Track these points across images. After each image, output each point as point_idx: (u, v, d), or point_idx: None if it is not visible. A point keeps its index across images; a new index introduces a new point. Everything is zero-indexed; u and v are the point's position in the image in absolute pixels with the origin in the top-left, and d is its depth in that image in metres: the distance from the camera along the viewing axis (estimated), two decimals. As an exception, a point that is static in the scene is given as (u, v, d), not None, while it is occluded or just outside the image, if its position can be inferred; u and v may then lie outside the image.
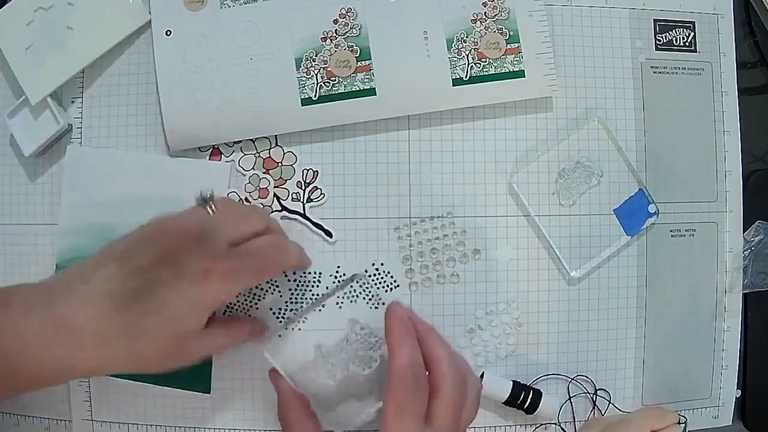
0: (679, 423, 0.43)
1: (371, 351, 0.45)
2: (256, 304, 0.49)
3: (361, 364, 0.44)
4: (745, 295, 0.52)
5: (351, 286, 0.46)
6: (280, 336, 0.46)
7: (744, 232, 0.52)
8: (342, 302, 0.46)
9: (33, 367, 0.36)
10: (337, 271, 0.48)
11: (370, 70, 0.47)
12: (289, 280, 0.49)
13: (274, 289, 0.48)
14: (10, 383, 0.37)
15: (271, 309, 0.48)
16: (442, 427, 0.37)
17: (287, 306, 0.49)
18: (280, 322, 0.48)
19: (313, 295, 0.48)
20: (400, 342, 0.38)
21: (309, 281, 0.49)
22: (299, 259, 0.46)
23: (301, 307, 0.48)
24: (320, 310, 0.46)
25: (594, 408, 0.50)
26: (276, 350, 0.45)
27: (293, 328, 0.46)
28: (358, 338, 0.45)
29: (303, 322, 0.46)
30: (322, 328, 0.45)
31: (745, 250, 0.51)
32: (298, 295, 0.49)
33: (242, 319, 0.48)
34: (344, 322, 0.45)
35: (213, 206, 0.40)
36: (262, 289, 0.48)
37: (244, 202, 0.49)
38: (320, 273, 0.49)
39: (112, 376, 0.49)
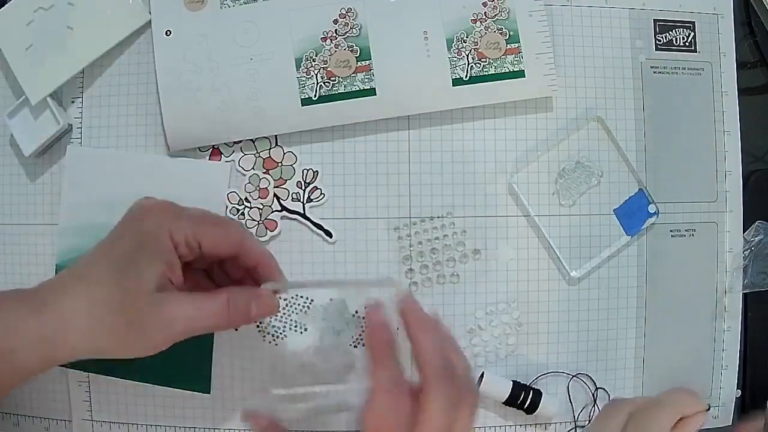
0: (708, 409, 0.41)
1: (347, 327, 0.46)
2: None
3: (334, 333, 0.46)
4: (745, 295, 0.52)
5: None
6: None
7: (744, 232, 0.52)
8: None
9: (23, 354, 0.37)
10: (329, 302, 0.48)
11: (370, 70, 0.47)
12: (280, 298, 0.48)
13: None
14: (8, 382, 0.37)
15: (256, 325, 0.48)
16: None
17: (270, 321, 0.48)
18: (259, 331, 0.48)
19: (298, 319, 0.47)
20: (379, 357, 0.36)
21: (299, 304, 0.48)
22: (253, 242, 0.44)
23: (284, 325, 0.48)
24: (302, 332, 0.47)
25: (594, 406, 0.50)
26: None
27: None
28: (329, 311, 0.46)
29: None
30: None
31: (745, 250, 0.51)
32: (285, 314, 0.48)
33: (215, 297, 0.41)
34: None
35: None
36: None
37: (244, 202, 0.49)
38: (311, 301, 0.48)
39: (109, 375, 0.49)
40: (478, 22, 0.48)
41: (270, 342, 0.49)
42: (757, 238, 0.51)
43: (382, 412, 0.35)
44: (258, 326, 0.49)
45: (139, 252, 0.38)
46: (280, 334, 0.48)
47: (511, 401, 0.48)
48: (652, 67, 0.51)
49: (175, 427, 0.49)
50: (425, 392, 0.34)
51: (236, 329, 0.49)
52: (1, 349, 0.36)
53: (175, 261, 0.39)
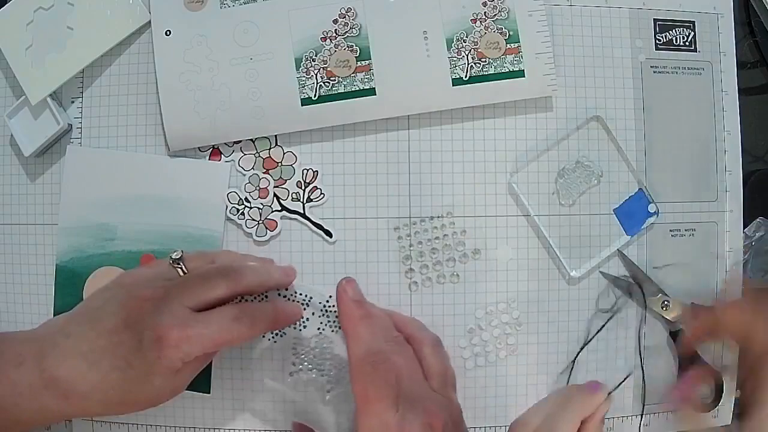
0: (610, 393, 0.39)
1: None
2: None
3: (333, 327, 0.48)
4: (744, 295, 0.52)
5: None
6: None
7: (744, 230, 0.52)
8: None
9: (24, 414, 0.39)
10: (327, 301, 0.48)
11: (370, 69, 0.47)
12: (279, 295, 0.48)
13: (261, 299, 0.48)
14: (2, 429, 0.39)
15: None
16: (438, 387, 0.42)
17: None
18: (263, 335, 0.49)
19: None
20: (354, 329, 0.42)
21: (297, 301, 0.48)
22: (269, 326, 0.44)
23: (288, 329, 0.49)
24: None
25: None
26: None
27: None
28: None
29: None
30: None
31: (745, 245, 0.51)
32: None
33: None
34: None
35: (184, 267, 0.42)
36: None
37: (244, 202, 0.49)
38: (310, 298, 0.48)
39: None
40: (478, 22, 0.48)
41: (270, 339, 0.49)
42: (758, 234, 0.51)
43: (363, 379, 0.40)
44: None
45: (141, 367, 0.39)
46: (280, 330, 0.49)
47: None
48: (652, 66, 0.51)
49: (175, 427, 0.49)
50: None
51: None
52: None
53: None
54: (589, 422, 0.36)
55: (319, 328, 0.48)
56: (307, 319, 0.48)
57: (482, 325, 0.50)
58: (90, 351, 0.38)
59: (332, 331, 0.48)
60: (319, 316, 0.48)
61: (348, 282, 0.46)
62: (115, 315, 0.39)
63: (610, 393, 0.36)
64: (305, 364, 0.48)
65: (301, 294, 0.48)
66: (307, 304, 0.48)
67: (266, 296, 0.48)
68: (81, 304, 0.42)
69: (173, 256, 0.42)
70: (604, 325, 0.50)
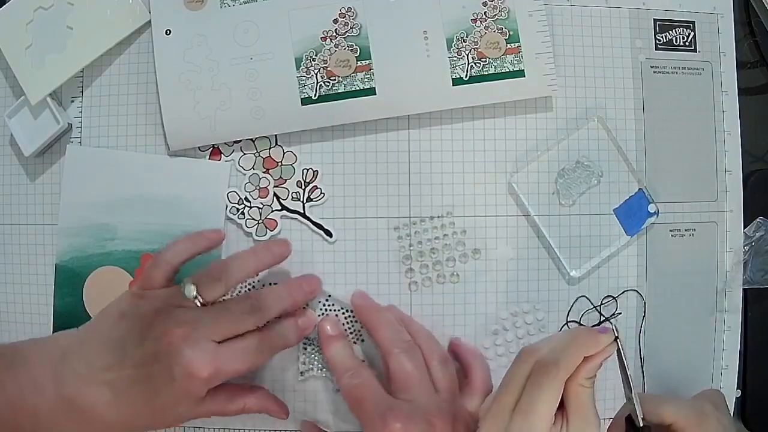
0: (616, 338, 0.39)
1: (355, 324, 0.49)
2: None
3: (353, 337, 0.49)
4: (744, 295, 0.52)
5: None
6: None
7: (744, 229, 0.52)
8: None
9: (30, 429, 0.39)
10: (327, 300, 0.48)
11: (370, 69, 0.47)
12: None
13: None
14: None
15: None
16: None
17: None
18: None
19: None
20: (376, 323, 0.45)
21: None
22: (289, 345, 0.45)
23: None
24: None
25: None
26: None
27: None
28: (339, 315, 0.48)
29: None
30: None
31: (745, 245, 0.51)
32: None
33: (248, 392, 0.46)
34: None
35: (200, 300, 0.42)
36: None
37: (244, 201, 0.49)
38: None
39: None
40: (478, 22, 0.48)
41: None
42: (757, 234, 0.51)
43: (403, 362, 0.43)
44: None
45: (169, 397, 0.40)
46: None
47: None
48: (652, 66, 0.51)
49: (174, 426, 0.49)
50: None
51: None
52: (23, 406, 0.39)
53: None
54: (592, 360, 0.36)
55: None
56: None
57: (507, 326, 0.50)
58: (117, 380, 0.39)
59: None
60: (318, 316, 0.48)
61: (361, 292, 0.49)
62: (143, 349, 0.40)
63: (616, 338, 0.37)
64: (315, 363, 0.48)
65: None
66: (306, 303, 0.48)
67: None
68: (95, 327, 0.42)
69: (187, 294, 0.42)
70: (601, 323, 0.50)
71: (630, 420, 0.40)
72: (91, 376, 0.39)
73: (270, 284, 0.48)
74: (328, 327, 0.46)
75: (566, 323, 0.50)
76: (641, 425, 0.38)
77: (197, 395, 0.40)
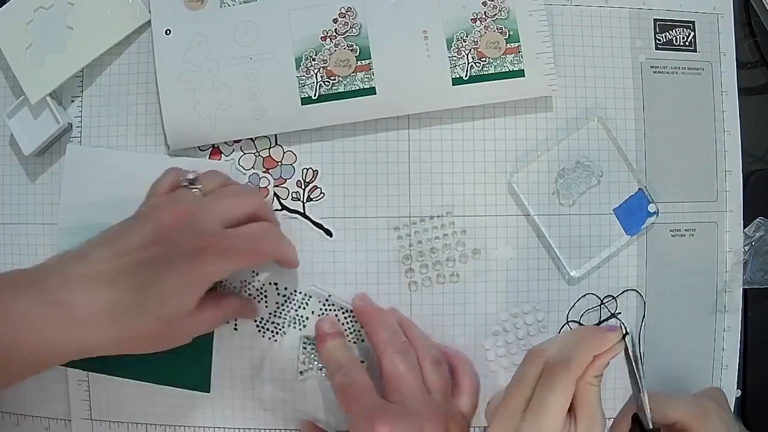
0: (625, 335, 0.40)
1: (355, 324, 0.48)
2: None
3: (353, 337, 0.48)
4: (744, 295, 0.52)
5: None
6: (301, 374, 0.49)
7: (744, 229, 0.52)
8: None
9: (24, 351, 0.36)
10: (327, 300, 0.48)
11: (370, 69, 0.47)
12: (278, 294, 0.49)
13: (261, 297, 0.48)
14: (2, 369, 0.36)
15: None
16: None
17: (269, 318, 0.49)
18: (259, 331, 0.49)
19: (297, 314, 0.48)
20: (374, 323, 0.45)
21: (297, 300, 0.49)
22: (290, 251, 0.46)
23: (283, 321, 0.49)
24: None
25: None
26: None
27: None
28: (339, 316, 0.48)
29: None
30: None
31: (745, 245, 0.51)
32: (282, 311, 0.49)
33: (230, 295, 0.48)
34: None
35: (200, 188, 0.41)
36: (250, 294, 0.48)
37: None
38: (309, 297, 0.48)
39: (109, 374, 0.49)
40: (478, 22, 0.48)
41: (270, 339, 0.49)
42: (757, 234, 0.51)
43: (396, 363, 0.42)
44: (257, 324, 0.49)
45: (170, 282, 0.37)
46: (280, 330, 0.49)
47: None
48: (652, 66, 0.51)
49: (174, 426, 0.49)
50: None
51: (236, 328, 0.49)
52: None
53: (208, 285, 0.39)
54: (600, 358, 0.37)
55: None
56: (307, 318, 0.48)
57: (507, 327, 0.50)
58: (106, 271, 0.36)
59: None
60: (318, 315, 0.48)
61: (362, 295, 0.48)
62: (141, 233, 0.38)
63: (624, 335, 0.37)
64: (315, 363, 0.48)
65: (300, 293, 0.48)
66: (307, 303, 0.48)
67: (264, 297, 0.48)
68: (94, 237, 0.40)
69: (188, 177, 0.42)
70: (600, 323, 0.50)
71: (636, 418, 0.40)
72: (83, 269, 0.37)
73: (271, 284, 0.49)
74: (326, 325, 0.46)
75: (567, 323, 0.50)
76: (651, 427, 0.38)
77: (200, 280, 0.38)
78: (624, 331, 0.38)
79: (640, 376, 0.38)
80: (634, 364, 0.38)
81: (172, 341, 0.40)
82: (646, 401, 0.39)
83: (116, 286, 0.36)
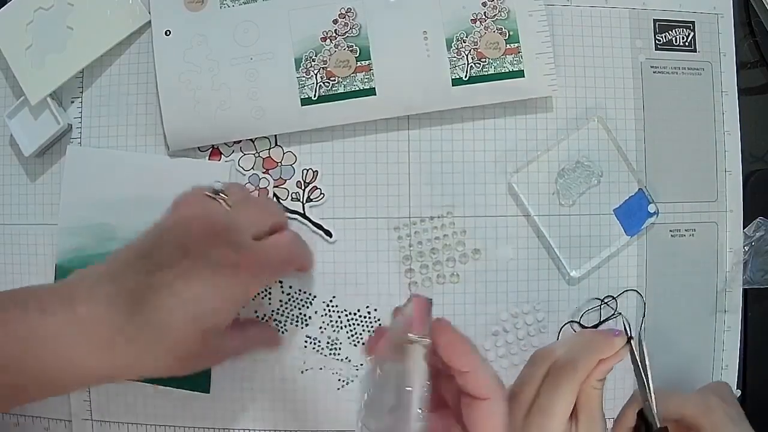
0: (629, 339, 0.40)
1: (357, 327, 0.48)
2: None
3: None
4: (744, 295, 0.52)
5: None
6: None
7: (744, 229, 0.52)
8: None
9: (48, 373, 0.33)
10: (331, 301, 0.48)
11: (370, 70, 0.47)
12: (282, 292, 0.49)
13: (265, 294, 0.48)
14: (19, 393, 0.34)
15: (255, 312, 0.49)
16: None
17: (272, 315, 0.49)
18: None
19: (300, 314, 0.48)
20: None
21: (302, 299, 0.49)
22: (312, 258, 0.46)
23: (286, 320, 0.48)
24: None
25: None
26: None
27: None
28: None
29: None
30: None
31: (745, 245, 0.51)
32: (287, 309, 0.49)
33: (256, 323, 0.48)
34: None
35: (226, 200, 0.40)
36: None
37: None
38: (314, 296, 0.48)
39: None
40: (478, 22, 0.48)
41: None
42: (757, 234, 0.51)
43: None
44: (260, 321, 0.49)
45: (210, 298, 0.35)
46: (282, 328, 0.49)
47: None
48: (652, 67, 0.51)
49: (174, 426, 0.49)
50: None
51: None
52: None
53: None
54: (605, 363, 0.37)
55: (320, 327, 0.48)
56: (310, 318, 0.48)
57: (507, 327, 0.50)
58: (141, 288, 0.34)
59: (333, 330, 0.48)
60: (322, 316, 0.48)
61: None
62: (172, 246, 0.35)
63: (629, 339, 0.38)
64: (316, 361, 0.48)
65: (305, 293, 0.49)
66: (310, 303, 0.48)
67: (268, 295, 0.48)
68: (121, 249, 0.37)
69: (215, 188, 0.40)
70: (601, 323, 0.50)
71: (642, 416, 0.40)
72: (111, 288, 0.34)
73: (276, 282, 0.49)
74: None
75: (568, 323, 0.50)
76: (659, 426, 0.39)
77: (241, 296, 0.36)
78: (629, 335, 0.38)
79: (646, 378, 0.39)
80: (640, 366, 0.39)
81: (199, 363, 0.37)
82: (654, 403, 0.39)
83: (147, 305, 0.34)
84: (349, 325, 0.49)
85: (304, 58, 0.47)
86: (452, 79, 0.47)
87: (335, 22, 0.47)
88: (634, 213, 0.50)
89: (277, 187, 0.49)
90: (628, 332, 0.38)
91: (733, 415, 0.41)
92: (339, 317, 0.48)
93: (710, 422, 0.40)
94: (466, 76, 0.47)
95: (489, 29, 0.48)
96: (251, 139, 0.49)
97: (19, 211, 0.51)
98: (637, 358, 0.39)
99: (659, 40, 0.51)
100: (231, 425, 0.49)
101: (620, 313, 0.50)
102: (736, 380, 0.52)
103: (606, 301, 0.50)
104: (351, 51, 0.47)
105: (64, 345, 0.33)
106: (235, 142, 0.49)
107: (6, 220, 0.51)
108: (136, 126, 0.50)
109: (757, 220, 0.51)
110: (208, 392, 0.49)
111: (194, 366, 0.37)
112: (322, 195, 0.49)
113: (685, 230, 0.51)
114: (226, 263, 0.36)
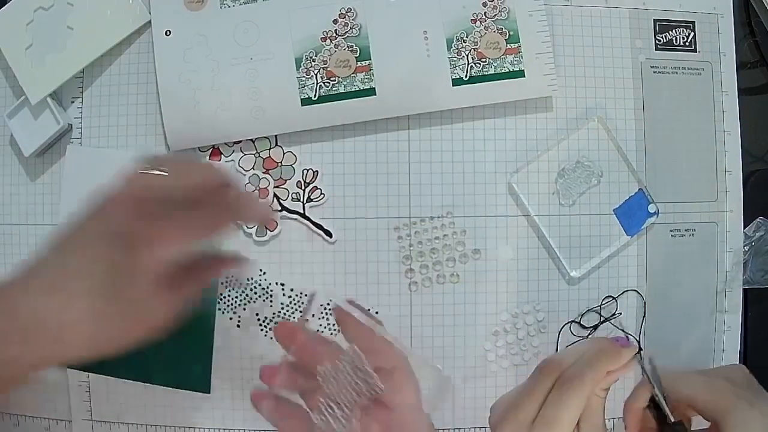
0: (639, 351, 0.40)
1: None
2: (244, 305, 0.49)
3: None
4: (744, 295, 0.52)
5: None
6: None
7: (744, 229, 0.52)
8: None
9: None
10: (329, 303, 0.48)
11: (370, 70, 0.47)
12: (284, 295, 0.49)
13: (266, 297, 0.49)
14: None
15: (257, 314, 0.49)
16: None
17: (273, 317, 0.49)
18: (261, 330, 0.49)
19: (301, 315, 0.48)
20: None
21: (302, 301, 0.49)
22: (252, 207, 0.40)
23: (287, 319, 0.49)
24: None
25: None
26: None
27: None
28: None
29: None
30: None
31: (745, 245, 0.51)
32: (288, 311, 0.49)
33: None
34: None
35: (159, 168, 0.37)
36: (255, 292, 0.49)
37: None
38: (312, 297, 0.49)
39: (109, 375, 0.49)
40: (478, 22, 0.48)
41: (271, 337, 0.49)
42: (757, 234, 0.51)
43: None
44: (259, 323, 0.49)
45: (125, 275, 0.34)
46: None
47: None
48: (652, 67, 0.51)
49: (174, 426, 0.49)
50: None
51: (238, 325, 0.49)
52: None
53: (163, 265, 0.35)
54: (613, 375, 0.37)
55: (319, 329, 0.48)
56: (307, 320, 0.48)
57: (507, 327, 0.50)
58: (91, 278, 0.33)
59: (330, 333, 0.48)
60: (319, 318, 0.48)
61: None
62: (98, 229, 0.35)
63: (638, 351, 0.38)
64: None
65: (302, 293, 0.48)
66: (310, 303, 0.48)
67: (269, 297, 0.48)
68: (56, 234, 0.35)
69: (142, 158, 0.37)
70: (600, 323, 0.50)
71: (655, 403, 0.40)
72: (71, 283, 0.33)
73: (278, 284, 0.49)
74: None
75: (568, 323, 0.50)
76: (673, 421, 0.39)
77: (160, 263, 0.34)
78: (639, 347, 0.39)
79: (657, 384, 0.39)
80: (650, 376, 0.39)
81: (142, 328, 0.35)
82: (662, 401, 0.39)
83: (98, 296, 0.33)
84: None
85: (304, 58, 0.47)
86: (452, 79, 0.47)
87: (335, 22, 0.47)
88: (634, 213, 0.50)
89: (277, 187, 0.49)
90: (637, 344, 0.39)
91: (749, 397, 0.40)
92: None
93: (721, 407, 0.39)
94: (466, 76, 0.47)
95: (489, 29, 0.48)
96: (251, 139, 0.49)
97: (19, 211, 0.50)
98: (647, 369, 0.39)
99: (659, 40, 0.51)
100: (231, 425, 0.49)
101: (620, 313, 0.50)
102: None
103: (605, 302, 0.50)
104: (351, 51, 0.47)
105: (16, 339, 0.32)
106: (235, 142, 0.49)
107: (6, 220, 0.51)
108: (136, 126, 0.49)
109: (757, 220, 0.51)
110: (208, 392, 0.49)
111: (135, 333, 0.35)
112: (322, 195, 0.49)
113: (685, 230, 0.51)
114: (143, 238, 0.34)
